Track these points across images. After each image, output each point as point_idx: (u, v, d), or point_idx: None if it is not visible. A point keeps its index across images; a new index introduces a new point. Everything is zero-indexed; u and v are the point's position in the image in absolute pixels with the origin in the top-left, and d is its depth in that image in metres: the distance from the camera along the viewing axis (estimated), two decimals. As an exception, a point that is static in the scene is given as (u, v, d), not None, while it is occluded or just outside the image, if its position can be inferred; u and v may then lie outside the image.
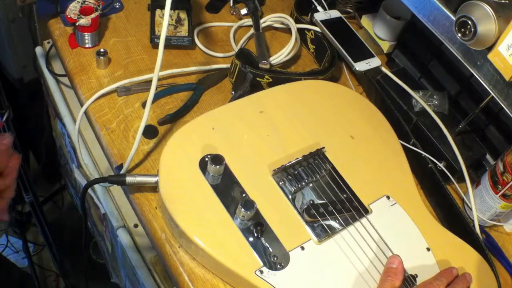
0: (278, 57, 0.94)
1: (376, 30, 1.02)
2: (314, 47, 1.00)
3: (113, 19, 0.97)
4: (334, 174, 0.74)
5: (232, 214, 0.66)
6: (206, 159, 0.69)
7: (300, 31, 0.99)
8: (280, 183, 0.71)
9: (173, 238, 0.70)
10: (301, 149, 0.75)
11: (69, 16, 0.86)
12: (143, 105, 0.85)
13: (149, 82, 0.82)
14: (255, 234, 0.65)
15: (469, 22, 0.55)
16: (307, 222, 0.68)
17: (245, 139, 0.74)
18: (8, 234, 1.63)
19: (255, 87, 0.87)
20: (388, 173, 0.77)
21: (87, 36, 0.89)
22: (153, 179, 0.71)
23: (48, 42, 1.04)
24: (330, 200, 0.71)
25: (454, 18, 0.58)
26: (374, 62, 0.94)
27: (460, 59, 0.61)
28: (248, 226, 0.66)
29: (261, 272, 0.63)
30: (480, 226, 0.81)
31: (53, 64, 1.04)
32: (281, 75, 0.88)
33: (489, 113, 0.85)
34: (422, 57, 0.96)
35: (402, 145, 0.82)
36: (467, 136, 0.87)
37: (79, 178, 1.06)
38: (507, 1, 0.53)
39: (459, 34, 0.57)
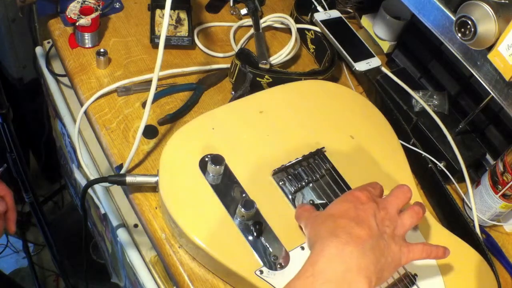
0: (278, 57, 0.94)
1: (376, 30, 1.02)
2: (314, 47, 1.00)
3: (113, 19, 0.97)
4: (334, 174, 0.74)
5: (232, 214, 0.66)
6: (206, 159, 0.69)
7: (300, 31, 0.99)
8: (280, 183, 0.71)
9: (173, 238, 0.70)
10: (301, 149, 0.75)
11: (69, 16, 0.86)
12: (143, 105, 0.85)
13: (149, 82, 0.82)
14: (255, 234, 0.65)
15: (469, 22, 0.55)
16: (307, 222, 0.68)
17: (245, 139, 0.74)
18: (8, 234, 1.63)
19: (255, 87, 0.87)
20: (388, 173, 0.77)
21: (87, 36, 0.89)
22: (153, 179, 0.71)
23: (48, 42, 1.04)
24: (330, 200, 0.71)
25: (454, 18, 0.58)
26: (374, 62, 0.94)
27: (460, 59, 0.61)
28: (248, 226, 0.66)
29: (261, 272, 0.63)
30: (480, 226, 0.81)
31: (53, 64, 1.04)
32: (281, 75, 0.88)
33: (489, 113, 0.84)
34: (422, 57, 0.96)
35: (402, 145, 0.82)
36: (467, 136, 0.87)
37: (79, 178, 1.06)
38: (507, 1, 0.53)
39: (459, 34, 0.57)
